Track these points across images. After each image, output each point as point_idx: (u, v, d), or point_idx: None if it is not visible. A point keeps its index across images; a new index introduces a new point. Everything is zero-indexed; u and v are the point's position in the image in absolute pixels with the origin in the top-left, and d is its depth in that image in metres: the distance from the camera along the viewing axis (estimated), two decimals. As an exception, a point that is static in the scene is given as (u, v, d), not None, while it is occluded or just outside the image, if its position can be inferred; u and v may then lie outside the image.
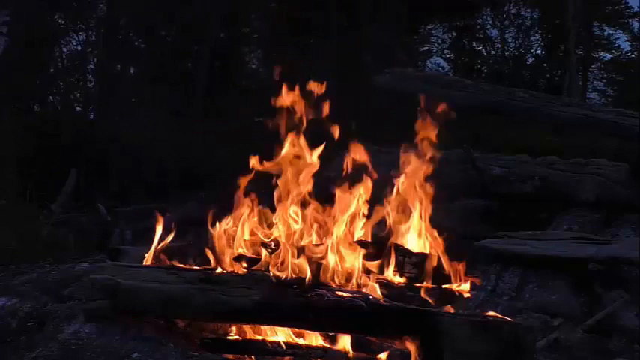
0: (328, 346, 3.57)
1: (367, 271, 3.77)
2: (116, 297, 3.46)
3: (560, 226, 6.61)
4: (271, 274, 3.53)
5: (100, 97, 14.27)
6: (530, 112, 9.34)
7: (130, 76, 15.28)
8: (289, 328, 3.61)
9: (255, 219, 3.97)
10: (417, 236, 4.06)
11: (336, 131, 4.06)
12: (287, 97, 4.08)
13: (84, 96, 15.47)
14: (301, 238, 3.86)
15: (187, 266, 3.72)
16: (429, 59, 21.23)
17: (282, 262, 3.60)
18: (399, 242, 3.97)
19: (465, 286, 3.89)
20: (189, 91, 14.25)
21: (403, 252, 3.89)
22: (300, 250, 3.66)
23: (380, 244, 3.91)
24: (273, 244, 3.73)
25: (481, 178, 7.33)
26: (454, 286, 3.87)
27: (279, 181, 4.00)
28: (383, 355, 3.52)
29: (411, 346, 3.37)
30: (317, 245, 3.77)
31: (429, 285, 3.80)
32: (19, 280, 4.58)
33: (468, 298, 3.93)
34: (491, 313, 3.55)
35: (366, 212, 4.03)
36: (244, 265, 3.70)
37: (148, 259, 3.89)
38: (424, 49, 21.12)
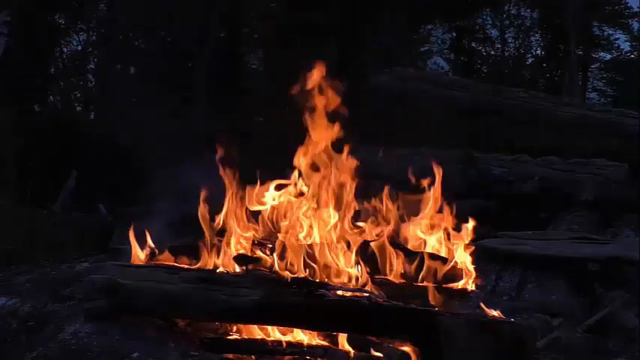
0: (328, 345, 3.57)
1: (367, 271, 3.76)
2: (116, 297, 3.47)
3: (560, 226, 6.61)
4: (272, 274, 3.53)
5: (100, 97, 14.28)
6: (530, 112, 9.35)
7: (130, 76, 15.28)
8: (290, 328, 3.60)
9: (255, 218, 3.97)
10: (417, 236, 4.06)
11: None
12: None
13: (84, 96, 15.48)
14: (301, 237, 3.86)
15: (187, 266, 3.72)
16: (429, 59, 21.26)
17: (282, 262, 3.60)
18: (399, 242, 3.98)
19: (465, 286, 3.89)
20: (190, 91, 14.25)
21: (403, 251, 3.89)
22: (301, 250, 3.66)
23: (380, 244, 3.91)
24: (271, 243, 3.72)
25: (481, 178, 7.33)
26: (454, 286, 3.87)
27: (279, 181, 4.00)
28: (382, 354, 3.52)
29: (411, 347, 3.37)
30: (317, 244, 3.76)
31: (429, 285, 3.80)
32: (19, 280, 4.58)
33: (467, 298, 3.93)
34: (491, 313, 3.55)
35: (365, 211, 4.04)
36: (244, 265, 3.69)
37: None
38: (424, 49, 21.13)
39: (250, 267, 3.65)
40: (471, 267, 3.92)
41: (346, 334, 3.55)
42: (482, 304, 3.61)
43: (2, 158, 9.38)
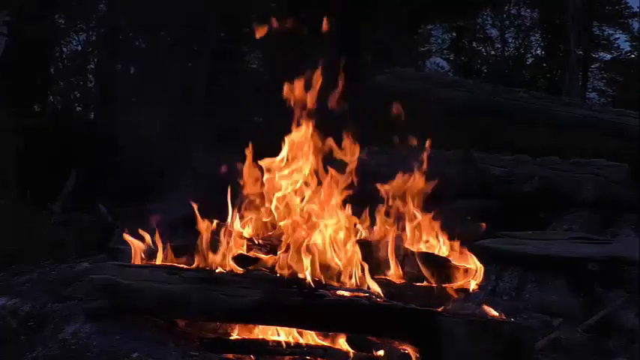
0: (328, 345, 3.57)
1: (367, 271, 3.76)
2: (116, 297, 3.47)
3: (560, 226, 6.62)
4: (272, 274, 3.53)
5: (100, 97, 14.27)
6: (530, 112, 9.37)
7: (130, 76, 15.27)
8: (290, 328, 3.60)
9: (255, 218, 3.97)
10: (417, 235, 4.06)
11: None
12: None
13: (84, 96, 15.48)
14: (301, 237, 3.85)
15: (187, 266, 3.72)
16: (428, 59, 21.25)
17: (282, 262, 3.60)
18: (399, 241, 3.97)
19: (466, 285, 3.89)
20: (190, 91, 14.23)
21: (403, 251, 3.89)
22: (300, 249, 3.66)
23: (380, 244, 3.91)
24: (271, 243, 3.72)
25: (481, 178, 7.33)
26: (454, 286, 3.87)
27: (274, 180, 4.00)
28: (382, 352, 3.52)
29: (411, 346, 3.37)
30: (317, 244, 3.76)
31: (429, 284, 3.80)
32: (19, 280, 4.59)
33: (467, 297, 3.93)
34: (491, 312, 3.55)
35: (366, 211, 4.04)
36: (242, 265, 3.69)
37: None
38: (424, 49, 21.12)
39: (251, 267, 3.65)
40: (477, 266, 3.91)
41: (346, 334, 3.55)
42: (485, 304, 3.61)
43: (2, 158, 9.38)
